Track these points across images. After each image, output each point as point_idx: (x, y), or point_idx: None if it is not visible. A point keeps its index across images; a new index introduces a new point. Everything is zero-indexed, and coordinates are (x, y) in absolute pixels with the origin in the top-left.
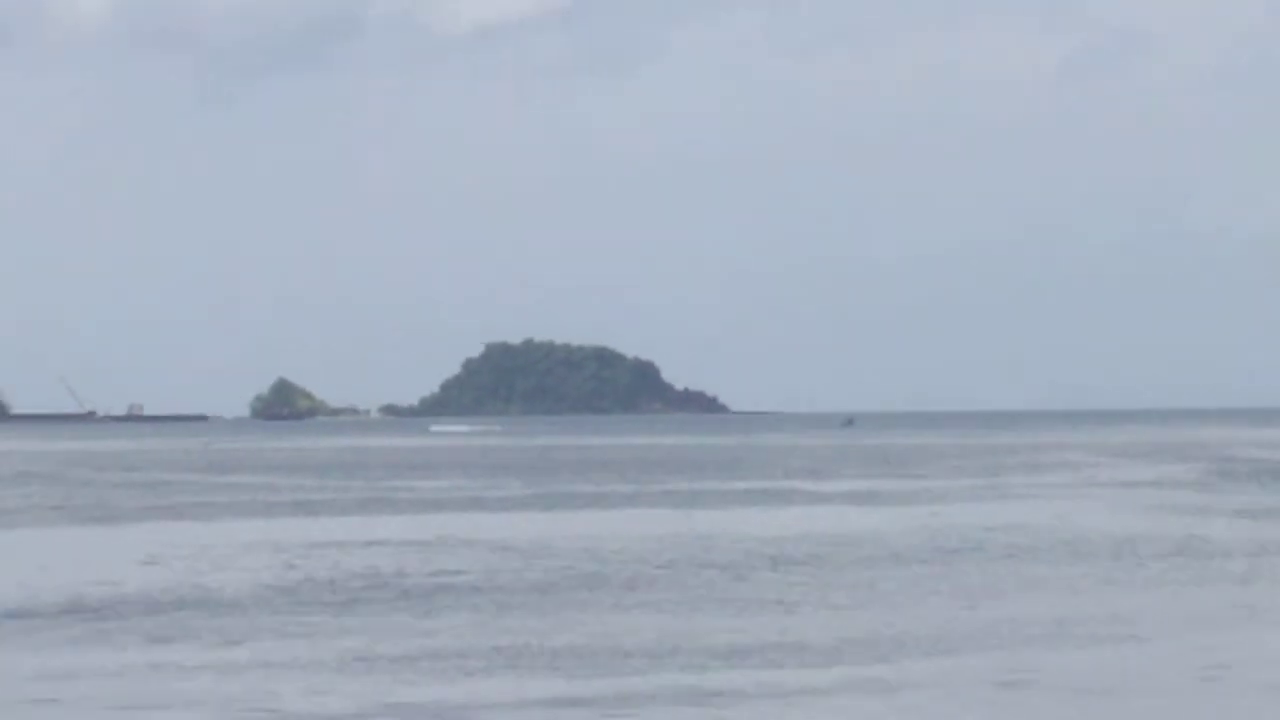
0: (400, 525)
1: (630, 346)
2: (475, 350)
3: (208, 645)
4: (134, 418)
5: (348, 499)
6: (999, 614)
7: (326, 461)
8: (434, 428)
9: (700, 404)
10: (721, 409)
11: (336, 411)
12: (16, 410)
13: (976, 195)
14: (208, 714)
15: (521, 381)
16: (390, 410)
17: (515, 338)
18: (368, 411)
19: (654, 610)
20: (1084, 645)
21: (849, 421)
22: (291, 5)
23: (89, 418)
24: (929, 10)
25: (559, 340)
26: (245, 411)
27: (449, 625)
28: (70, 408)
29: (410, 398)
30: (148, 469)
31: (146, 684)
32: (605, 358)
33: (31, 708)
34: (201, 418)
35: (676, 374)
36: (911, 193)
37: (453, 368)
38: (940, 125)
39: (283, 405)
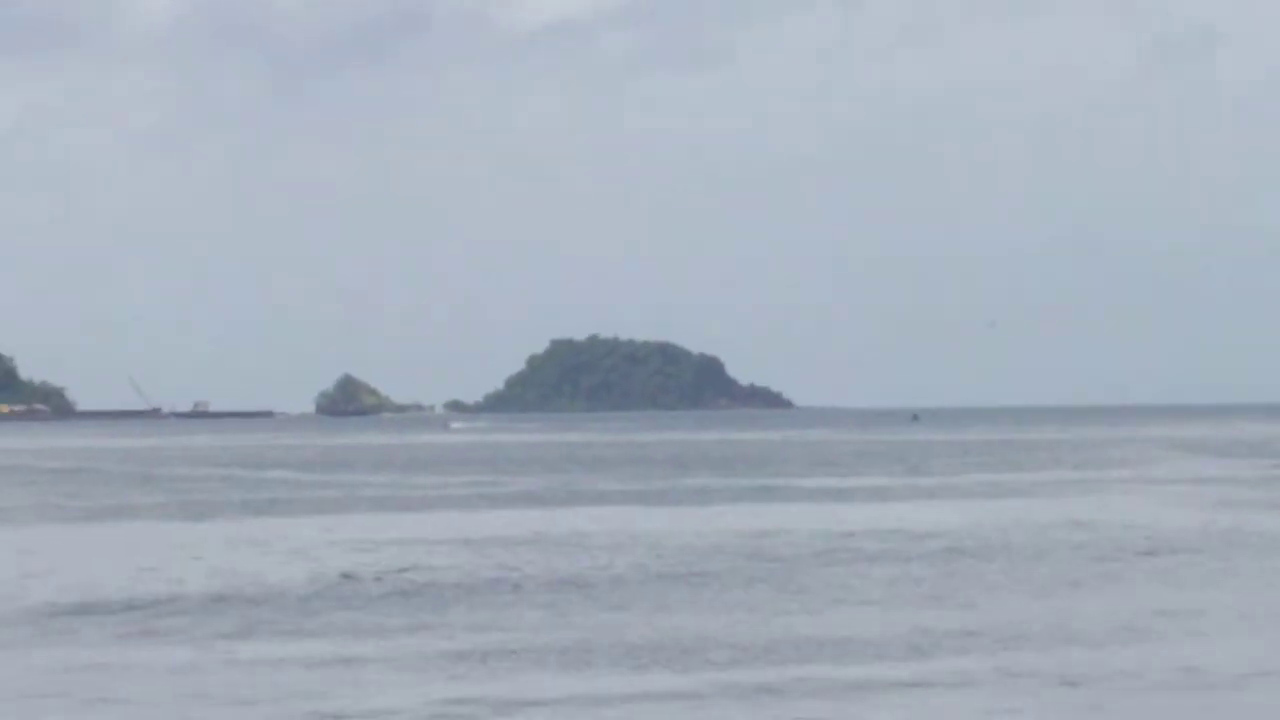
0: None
1: (695, 343)
2: (540, 347)
3: (267, 641)
4: (199, 414)
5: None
6: (1071, 607)
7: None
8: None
9: (765, 400)
10: (787, 405)
11: (402, 408)
12: (83, 407)
13: (1044, 193)
14: (262, 711)
15: (586, 378)
16: (455, 406)
17: (580, 334)
18: (432, 408)
19: (722, 606)
20: (1153, 640)
21: (915, 417)
22: (360, 1)
23: (154, 414)
24: (995, 5)
25: (623, 336)
26: (311, 408)
27: (511, 621)
28: (137, 405)
29: (476, 394)
30: (195, 464)
31: (215, 679)
32: (670, 354)
33: (86, 703)
34: (267, 414)
35: (741, 370)
36: (981, 191)
37: (518, 364)
38: (1010, 123)
39: (348, 402)
